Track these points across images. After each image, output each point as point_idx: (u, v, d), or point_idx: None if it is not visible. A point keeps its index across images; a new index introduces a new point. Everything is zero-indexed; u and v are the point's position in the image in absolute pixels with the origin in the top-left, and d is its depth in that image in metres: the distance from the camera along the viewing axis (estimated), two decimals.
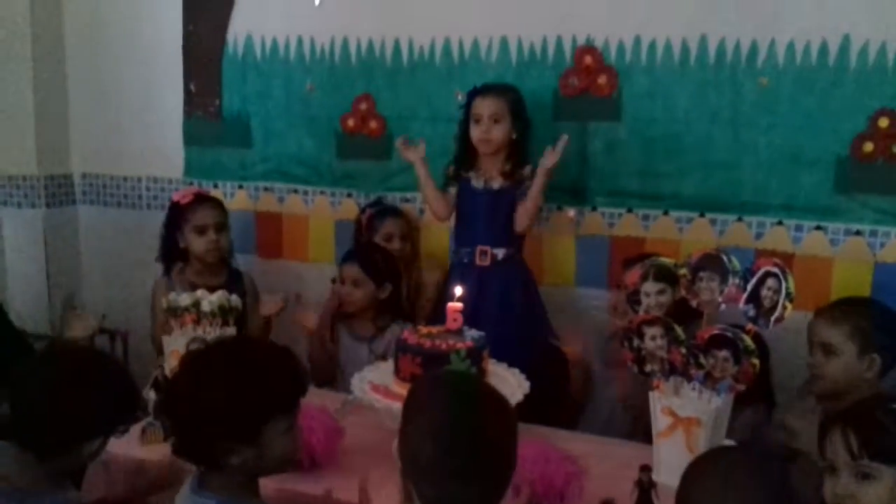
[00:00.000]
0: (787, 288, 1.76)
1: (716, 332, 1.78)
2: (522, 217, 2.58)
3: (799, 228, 2.54)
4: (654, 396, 1.85)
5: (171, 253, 2.80)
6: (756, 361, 1.74)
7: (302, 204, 3.16)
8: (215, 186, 3.24)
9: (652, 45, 2.62)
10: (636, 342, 1.89)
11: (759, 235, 2.58)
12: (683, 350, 1.82)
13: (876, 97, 2.39)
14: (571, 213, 2.80)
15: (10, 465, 1.51)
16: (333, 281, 2.81)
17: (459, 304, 2.06)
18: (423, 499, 1.23)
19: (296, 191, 3.16)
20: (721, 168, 2.59)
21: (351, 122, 3.02)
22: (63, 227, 3.42)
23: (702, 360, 1.80)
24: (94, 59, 3.37)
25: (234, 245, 2.93)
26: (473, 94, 2.62)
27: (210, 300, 2.16)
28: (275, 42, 3.08)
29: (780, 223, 2.56)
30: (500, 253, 2.60)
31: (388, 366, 2.11)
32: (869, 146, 2.41)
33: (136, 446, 1.95)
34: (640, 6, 2.61)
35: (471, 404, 1.28)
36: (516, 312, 2.55)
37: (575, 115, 2.73)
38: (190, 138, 3.27)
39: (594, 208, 2.77)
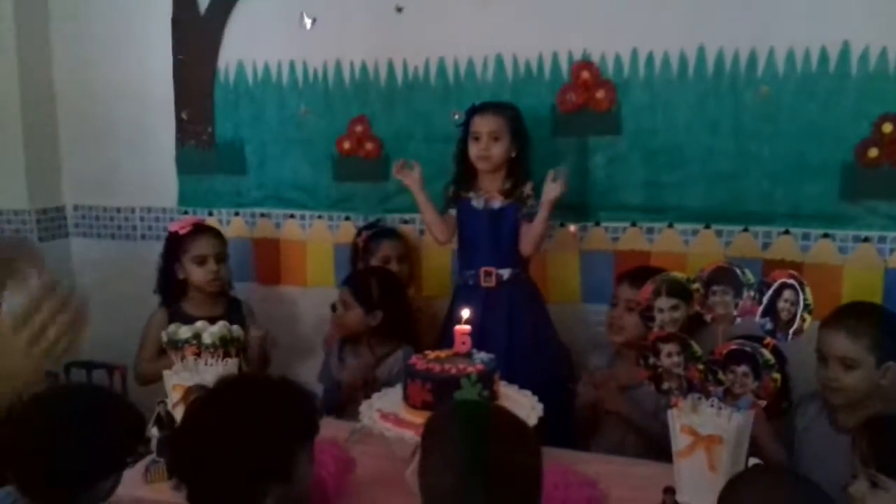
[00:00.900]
0: (804, 300, 1.72)
1: (734, 346, 1.74)
2: (527, 245, 2.54)
3: (806, 237, 2.51)
4: (672, 415, 1.80)
5: (170, 284, 2.75)
6: (777, 376, 1.70)
7: (299, 229, 3.12)
8: (210, 214, 3.19)
9: (650, 58, 2.60)
10: (652, 359, 1.85)
11: (766, 245, 2.55)
12: (701, 366, 1.78)
13: (879, 102, 2.37)
14: (573, 228, 2.76)
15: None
16: (333, 307, 2.76)
17: (467, 327, 2.01)
18: None
19: (293, 216, 3.12)
20: (725, 178, 2.56)
21: (347, 145, 2.98)
22: (56, 260, 3.36)
23: (720, 375, 1.75)
24: (83, 90, 3.32)
25: (233, 272, 2.88)
26: (472, 112, 2.59)
27: (211, 332, 2.11)
28: (266, 67, 3.05)
29: (787, 232, 2.53)
30: (506, 273, 2.56)
31: (397, 393, 2.06)
32: (874, 152, 2.39)
33: (140, 485, 1.89)
34: (636, 19, 2.59)
35: (488, 433, 1.24)
36: (526, 332, 2.51)
37: (574, 130, 2.70)
38: (183, 167, 3.22)
39: (597, 223, 2.74)
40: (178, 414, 1.92)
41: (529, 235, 2.53)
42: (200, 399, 1.43)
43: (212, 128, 3.15)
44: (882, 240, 2.43)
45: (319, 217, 3.08)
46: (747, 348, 1.72)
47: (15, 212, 3.28)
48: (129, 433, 1.51)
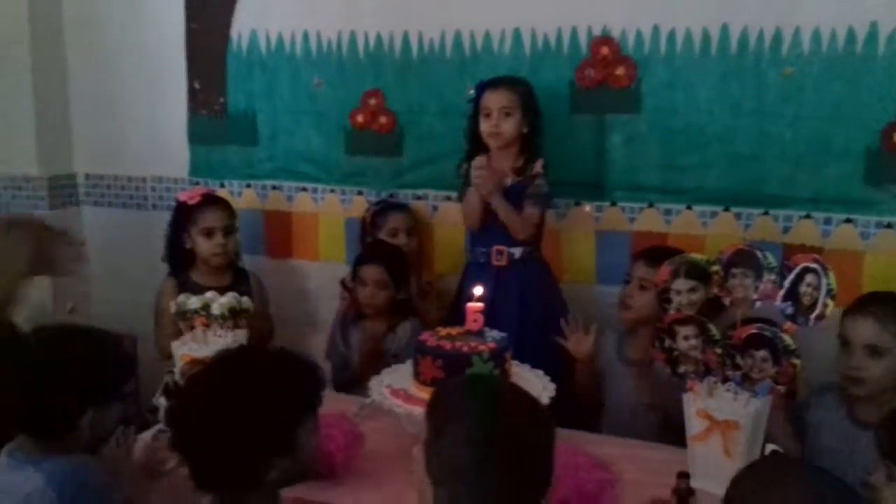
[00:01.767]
0: (828, 284, 1.68)
1: (753, 331, 1.71)
2: (512, 231, 2.50)
3: (828, 221, 2.45)
4: (688, 399, 1.77)
5: (177, 254, 2.73)
6: (797, 361, 1.67)
7: (311, 202, 3.09)
8: (222, 186, 3.16)
9: (671, 35, 2.53)
10: (668, 342, 1.81)
11: (786, 229, 2.49)
12: (719, 350, 1.75)
13: None
14: (588, 208, 2.72)
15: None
16: (343, 283, 2.74)
17: (480, 305, 1.99)
18: None
19: (304, 189, 3.09)
20: (746, 160, 2.50)
21: (360, 118, 2.94)
22: (68, 228, 3.34)
23: (739, 360, 1.72)
24: (94, 59, 3.28)
25: (243, 245, 2.86)
26: (482, 87, 2.53)
27: (220, 302, 2.10)
28: (280, 37, 3.00)
29: (808, 216, 2.47)
30: (517, 252, 2.52)
31: (407, 368, 2.04)
32: None
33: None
34: None
35: (503, 408, 1.21)
36: (537, 312, 2.48)
37: (592, 107, 2.64)
38: (195, 137, 3.19)
39: (614, 203, 2.68)
40: None
41: (512, 224, 2.48)
42: (199, 373, 1.40)
43: (224, 98, 3.11)
44: None
45: (332, 191, 3.04)
46: (767, 333, 1.69)
47: (26, 178, 3.26)
48: (98, 368, 1.56)
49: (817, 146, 2.43)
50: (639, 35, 2.57)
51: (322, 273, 3.07)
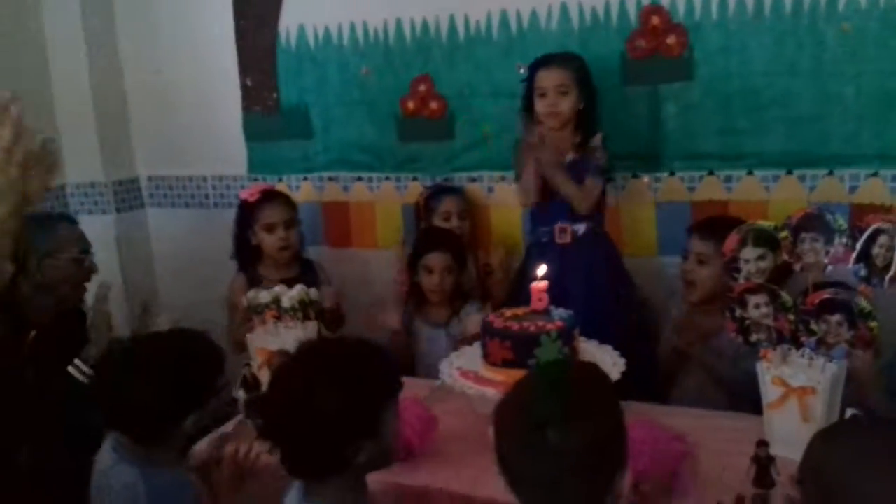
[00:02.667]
0: None
1: (827, 295, 1.68)
2: (573, 205, 2.49)
3: None
4: (762, 367, 1.75)
5: (245, 250, 2.80)
6: (874, 325, 1.64)
7: (367, 191, 3.12)
8: (280, 180, 3.22)
9: (723, 0, 2.48)
10: (739, 312, 1.80)
11: (853, 189, 2.44)
12: (791, 317, 1.72)
13: None
14: (646, 179, 2.69)
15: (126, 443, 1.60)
16: (408, 269, 2.76)
17: (544, 284, 2.00)
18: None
19: (360, 178, 3.12)
20: (806, 121, 2.45)
21: (411, 105, 2.95)
22: (134, 230, 3.45)
23: (813, 326, 1.69)
24: (149, 62, 3.36)
25: (304, 237, 2.91)
26: (536, 65, 2.51)
27: (290, 295, 2.14)
28: (327, 30, 3.03)
29: (875, 174, 2.41)
30: (581, 228, 2.51)
31: (475, 350, 2.06)
32: None
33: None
34: None
35: (573, 413, 1.19)
36: (603, 288, 2.47)
37: (645, 78, 2.62)
38: (250, 134, 3.25)
39: (672, 173, 2.66)
40: (263, 376, 1.96)
41: (573, 196, 2.47)
42: (286, 364, 1.45)
43: (276, 93, 3.16)
44: None
45: (387, 178, 3.07)
46: (842, 297, 1.66)
47: (92, 184, 3.36)
48: (201, 371, 1.60)
49: (881, 101, 2.37)
50: (689, 2, 2.53)
51: (381, 260, 3.11)
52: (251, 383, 1.99)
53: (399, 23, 2.91)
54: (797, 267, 1.77)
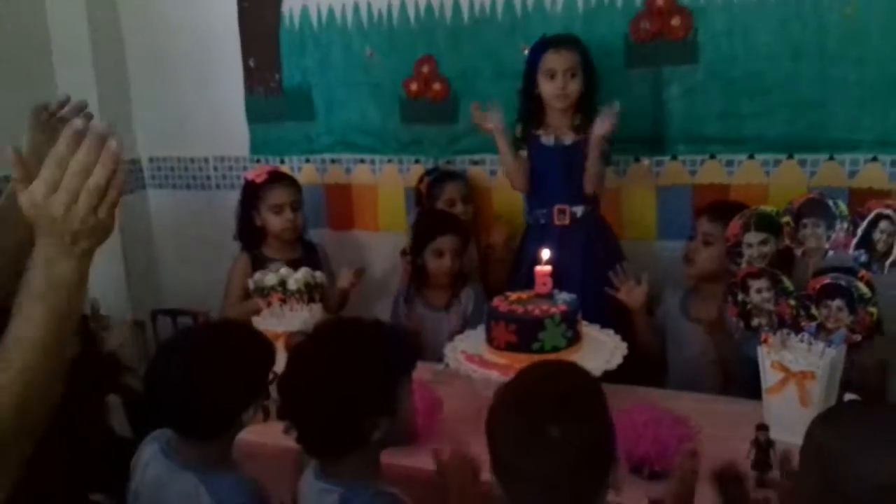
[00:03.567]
0: None
1: (827, 280, 1.70)
2: (587, 183, 2.50)
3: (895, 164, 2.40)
4: (762, 351, 1.78)
5: (248, 231, 2.81)
6: (874, 310, 1.66)
7: (370, 173, 3.13)
8: (282, 161, 3.22)
9: None
10: (741, 296, 1.82)
11: (852, 174, 2.45)
12: (792, 302, 1.75)
13: None
14: (647, 163, 2.70)
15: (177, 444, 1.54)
16: (404, 253, 2.77)
17: (548, 268, 2.01)
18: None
19: (363, 160, 3.13)
20: (808, 106, 2.46)
21: (414, 87, 2.95)
22: (135, 211, 3.45)
23: (814, 310, 1.72)
24: (151, 44, 3.34)
25: (307, 219, 2.92)
26: (542, 47, 2.51)
27: (295, 278, 2.16)
28: (331, 10, 3.02)
29: (874, 159, 2.42)
30: (579, 210, 2.53)
31: (479, 334, 2.09)
32: None
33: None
34: None
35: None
36: (600, 270, 2.47)
37: (648, 60, 2.62)
38: (253, 115, 3.24)
39: (674, 157, 2.67)
40: None
41: (587, 175, 2.49)
42: (303, 344, 1.46)
43: (279, 74, 3.15)
44: None
45: (389, 161, 3.08)
46: (842, 282, 1.68)
47: None
48: (260, 361, 1.54)
49: (882, 87, 2.38)
50: None
51: (383, 242, 3.13)
52: None
53: (403, 4, 2.90)
54: (798, 252, 1.80)
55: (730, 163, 2.60)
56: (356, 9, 2.97)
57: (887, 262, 1.70)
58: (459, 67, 2.88)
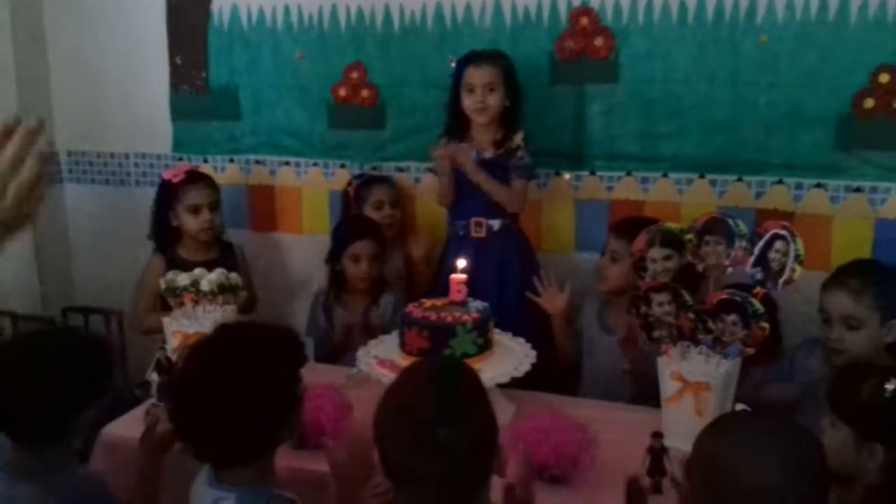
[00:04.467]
0: (795, 250, 1.75)
1: (724, 296, 1.78)
2: (505, 206, 2.55)
3: (799, 187, 2.51)
4: (662, 362, 1.84)
5: (163, 231, 2.76)
6: (765, 325, 1.74)
7: (294, 176, 3.11)
8: (205, 161, 3.18)
9: (649, 5, 2.56)
10: (644, 309, 1.88)
11: (759, 195, 2.56)
12: (691, 315, 1.81)
13: (876, 53, 2.36)
14: (567, 177, 2.77)
15: (11, 455, 1.49)
16: (328, 261, 2.76)
17: (463, 276, 2.05)
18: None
19: (287, 163, 3.11)
20: (721, 128, 2.56)
21: (342, 92, 2.96)
22: (50, 206, 3.35)
23: (710, 324, 1.79)
24: (75, 36, 3.26)
25: (227, 219, 2.89)
26: (465, 61, 2.54)
27: (209, 279, 2.13)
28: (261, 11, 3.00)
29: (780, 182, 2.53)
30: (496, 224, 2.56)
31: (393, 339, 2.10)
32: (870, 102, 2.38)
33: (140, 428, 1.92)
34: None
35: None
36: (515, 282, 2.52)
37: (572, 78, 2.68)
38: (177, 112, 3.19)
39: (593, 172, 2.74)
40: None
41: (503, 199, 2.52)
42: (202, 348, 1.43)
43: (206, 73, 3.11)
44: (874, 190, 2.44)
45: (315, 164, 3.07)
46: (737, 298, 1.76)
47: None
48: (84, 365, 1.52)
49: (790, 113, 2.49)
50: (617, 5, 2.60)
51: (307, 246, 3.11)
52: (165, 366, 1.97)
53: (334, 8, 2.91)
54: (700, 268, 1.87)
55: (645, 180, 2.68)
56: (287, 11, 2.96)
57: (780, 280, 1.78)
58: (388, 75, 2.89)
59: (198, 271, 2.16)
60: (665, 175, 2.65)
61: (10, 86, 3.19)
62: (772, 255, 1.79)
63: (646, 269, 1.93)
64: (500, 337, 2.09)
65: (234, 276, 2.19)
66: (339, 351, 2.58)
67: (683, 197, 2.64)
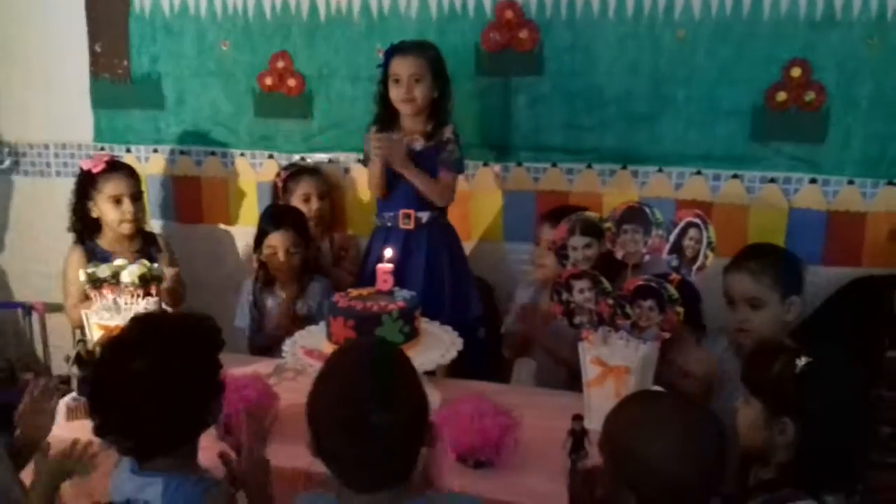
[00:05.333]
0: (708, 237, 1.82)
1: (640, 282, 1.83)
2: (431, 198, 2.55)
3: (717, 178, 2.61)
4: (583, 347, 1.89)
5: (84, 222, 2.69)
6: (680, 310, 1.80)
7: (221, 166, 3.07)
8: (128, 151, 3.11)
9: None
10: (565, 295, 1.93)
11: (678, 186, 2.64)
12: (611, 301, 1.87)
13: (788, 47, 2.46)
14: (495, 168, 2.80)
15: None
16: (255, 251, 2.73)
17: (390, 266, 2.05)
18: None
19: (213, 153, 3.07)
20: (642, 120, 2.63)
21: (268, 81, 2.93)
22: None
23: (628, 310, 1.84)
24: None
25: (151, 211, 2.84)
26: (391, 52, 2.53)
27: (130, 270, 2.09)
28: None
29: (698, 173, 2.62)
30: (425, 216, 2.55)
31: (320, 330, 2.10)
32: (782, 95, 2.48)
33: (61, 423, 1.89)
34: None
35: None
36: (443, 274, 2.54)
37: (497, 70, 2.72)
38: (98, 101, 3.12)
39: (519, 163, 2.78)
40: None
41: (431, 192, 2.52)
42: (124, 341, 1.40)
43: (127, 60, 3.05)
44: (787, 181, 2.55)
45: (241, 155, 3.04)
46: (653, 284, 1.82)
47: None
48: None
49: (707, 106, 2.58)
50: None
51: (236, 237, 3.09)
52: (86, 360, 1.93)
53: None
54: (619, 255, 1.92)
55: (570, 171, 2.73)
56: None
57: (694, 267, 1.85)
58: (315, 65, 2.88)
59: (119, 262, 2.11)
60: (589, 166, 2.71)
61: None
62: (686, 242, 1.85)
63: (567, 256, 1.97)
64: (428, 325, 2.11)
65: (157, 268, 2.15)
66: (272, 342, 2.57)
67: (606, 188, 2.70)
